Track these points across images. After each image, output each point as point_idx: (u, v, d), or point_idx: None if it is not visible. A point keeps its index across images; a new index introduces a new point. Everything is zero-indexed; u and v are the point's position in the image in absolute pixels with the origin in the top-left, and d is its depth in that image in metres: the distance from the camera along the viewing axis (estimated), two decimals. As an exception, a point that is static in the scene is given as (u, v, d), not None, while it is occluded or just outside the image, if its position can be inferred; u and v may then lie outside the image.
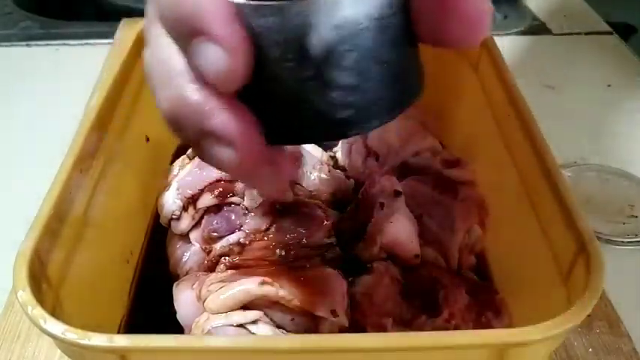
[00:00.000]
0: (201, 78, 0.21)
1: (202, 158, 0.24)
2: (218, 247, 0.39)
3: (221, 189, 0.39)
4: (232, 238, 0.39)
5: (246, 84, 0.21)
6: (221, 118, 0.21)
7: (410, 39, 0.23)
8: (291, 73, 0.21)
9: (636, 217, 0.54)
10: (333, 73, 0.21)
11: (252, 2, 0.21)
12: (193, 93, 0.22)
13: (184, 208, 0.40)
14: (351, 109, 0.22)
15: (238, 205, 0.39)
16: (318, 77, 0.21)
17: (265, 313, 0.34)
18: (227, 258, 0.39)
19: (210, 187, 0.39)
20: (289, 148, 0.26)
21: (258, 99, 0.22)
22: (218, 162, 0.23)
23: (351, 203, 0.44)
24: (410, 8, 0.22)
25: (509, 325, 0.37)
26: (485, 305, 0.38)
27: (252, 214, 0.39)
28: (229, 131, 0.21)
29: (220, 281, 0.36)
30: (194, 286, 0.37)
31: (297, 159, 0.25)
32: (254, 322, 0.33)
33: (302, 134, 0.23)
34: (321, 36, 0.20)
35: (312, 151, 0.48)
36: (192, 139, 0.23)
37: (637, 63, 0.77)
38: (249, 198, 0.39)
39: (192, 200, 0.40)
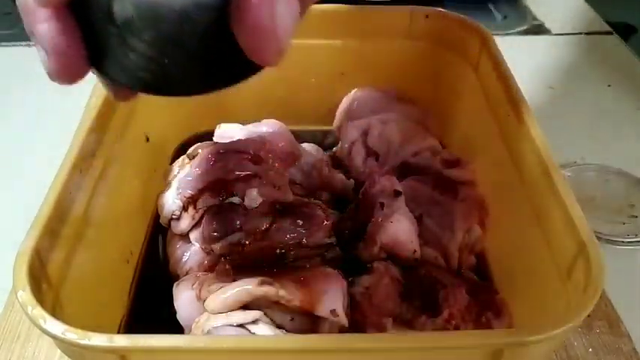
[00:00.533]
0: None
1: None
2: (218, 247, 0.39)
3: (221, 189, 0.39)
4: (232, 238, 0.39)
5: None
6: (44, 27, 0.24)
7: (220, 36, 0.25)
8: (102, 22, 0.24)
9: (636, 217, 0.54)
10: (132, 39, 0.24)
11: None
12: None
13: (184, 208, 0.40)
14: (147, 73, 0.25)
15: (238, 205, 0.39)
16: (120, 37, 0.24)
17: (265, 313, 0.34)
18: (227, 258, 0.39)
19: (210, 187, 0.39)
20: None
21: (83, 23, 0.25)
22: (40, 56, 0.26)
23: (351, 203, 0.44)
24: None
25: (509, 325, 0.37)
26: (485, 305, 0.38)
27: (252, 214, 0.39)
28: (47, 41, 0.24)
29: (220, 281, 0.36)
30: (194, 286, 0.37)
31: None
32: (254, 322, 0.33)
33: (109, 73, 0.26)
34: (124, 6, 0.23)
35: (312, 151, 0.48)
36: (27, 31, 0.26)
37: (637, 63, 0.77)
38: (249, 198, 0.39)
39: (192, 200, 0.40)
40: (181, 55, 0.24)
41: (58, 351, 0.39)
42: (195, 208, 0.40)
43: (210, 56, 0.25)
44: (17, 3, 0.26)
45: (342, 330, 0.35)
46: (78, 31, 0.25)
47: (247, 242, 0.39)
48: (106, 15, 0.24)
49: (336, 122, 0.51)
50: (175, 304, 0.37)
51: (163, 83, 0.25)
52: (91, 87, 0.62)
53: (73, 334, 0.26)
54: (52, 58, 0.25)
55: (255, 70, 0.26)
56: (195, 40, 0.24)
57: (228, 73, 0.26)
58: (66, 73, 0.26)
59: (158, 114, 0.50)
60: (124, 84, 0.26)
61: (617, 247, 0.51)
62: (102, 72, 0.26)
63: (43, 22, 0.24)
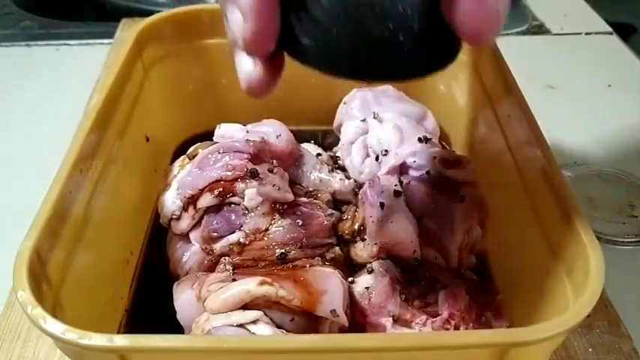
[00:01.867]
0: None
1: (224, 16, 0.27)
2: (218, 247, 0.39)
3: (221, 189, 0.39)
4: (232, 238, 0.39)
5: None
6: None
7: (428, 15, 0.24)
8: None
9: (636, 217, 0.54)
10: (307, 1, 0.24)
11: None
12: None
13: (184, 208, 0.40)
14: (311, 40, 0.25)
15: (238, 205, 0.39)
16: (298, 3, 0.24)
17: (265, 313, 0.34)
18: (227, 258, 0.39)
19: (210, 187, 0.39)
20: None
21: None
22: (232, 24, 0.26)
23: (351, 203, 0.44)
24: None
25: (509, 325, 0.37)
26: (485, 305, 0.38)
27: (252, 214, 0.39)
28: (245, 2, 0.24)
29: (220, 281, 0.36)
30: (194, 286, 0.37)
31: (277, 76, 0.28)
32: (254, 322, 0.33)
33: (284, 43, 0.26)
34: None
35: (312, 151, 0.48)
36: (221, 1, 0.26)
37: (637, 63, 0.77)
38: (249, 198, 0.39)
39: (192, 200, 0.40)
40: (348, 27, 0.24)
41: (58, 351, 0.39)
42: (195, 208, 0.40)
43: (417, 36, 0.24)
44: None
45: (342, 330, 0.35)
46: None
47: (247, 242, 0.39)
48: None
49: (336, 122, 0.51)
50: (175, 304, 0.37)
51: (322, 52, 0.25)
52: (91, 87, 0.62)
53: (73, 334, 0.26)
54: (252, 21, 0.24)
55: (453, 58, 0.26)
56: (366, 11, 0.23)
57: (433, 57, 0.26)
58: (264, 39, 0.25)
59: (158, 114, 0.50)
60: (289, 51, 0.26)
61: (617, 247, 0.51)
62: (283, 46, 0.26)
63: None
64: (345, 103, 0.51)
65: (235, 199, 0.39)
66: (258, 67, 0.27)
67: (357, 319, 0.36)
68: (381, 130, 0.46)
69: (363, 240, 0.40)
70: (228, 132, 0.44)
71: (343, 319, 0.34)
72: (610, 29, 0.84)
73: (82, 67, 0.73)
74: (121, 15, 0.83)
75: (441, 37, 0.25)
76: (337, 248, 0.41)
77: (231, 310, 0.34)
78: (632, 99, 0.71)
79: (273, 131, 0.44)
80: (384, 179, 0.41)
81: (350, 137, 0.49)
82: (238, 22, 0.25)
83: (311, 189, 0.44)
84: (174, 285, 0.38)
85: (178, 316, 0.37)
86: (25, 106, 0.69)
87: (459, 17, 0.23)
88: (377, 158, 0.46)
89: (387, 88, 0.51)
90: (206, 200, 0.39)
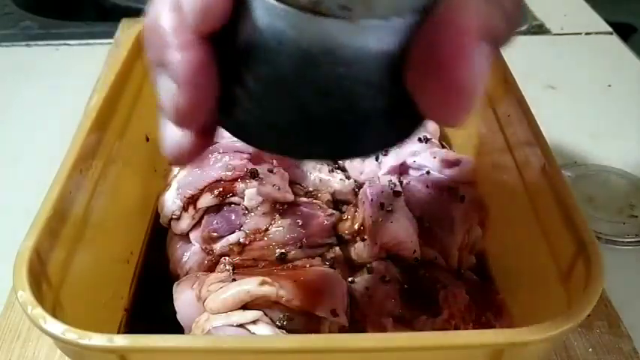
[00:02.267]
0: (180, 8, 0.21)
1: (155, 82, 0.23)
2: (218, 247, 0.39)
3: (221, 189, 0.39)
4: (232, 238, 0.39)
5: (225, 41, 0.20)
6: (182, 55, 0.20)
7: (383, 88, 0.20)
8: (256, 58, 0.20)
9: (636, 217, 0.54)
10: (244, 74, 0.20)
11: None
12: (167, 18, 0.21)
13: (184, 208, 0.40)
14: (246, 114, 0.21)
15: (238, 205, 0.39)
16: (231, 71, 0.21)
17: (265, 313, 0.34)
18: (227, 258, 0.39)
19: (210, 187, 0.39)
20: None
21: (224, 61, 0.21)
22: (162, 92, 0.22)
23: (351, 203, 0.44)
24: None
25: (509, 325, 0.37)
26: (486, 305, 0.38)
27: (252, 214, 0.39)
28: (182, 71, 0.21)
29: (220, 281, 0.36)
30: (194, 286, 0.37)
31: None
32: (254, 322, 0.33)
33: (246, 127, 0.22)
34: (299, 40, 0.19)
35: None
36: (152, 59, 0.22)
37: (637, 63, 0.77)
38: (249, 198, 0.39)
39: (192, 200, 0.40)
40: (278, 103, 0.20)
41: (58, 351, 0.39)
42: (195, 208, 0.40)
43: (367, 117, 0.21)
44: (145, 25, 0.23)
45: (342, 330, 0.35)
46: (215, 67, 0.21)
47: (247, 242, 0.39)
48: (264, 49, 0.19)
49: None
50: (175, 304, 0.37)
51: (253, 131, 0.22)
52: (91, 87, 0.62)
53: (73, 334, 0.26)
54: (186, 90, 0.21)
55: (411, 133, 0.22)
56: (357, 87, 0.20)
57: (385, 136, 0.22)
58: (196, 112, 0.22)
59: (158, 114, 0.50)
60: (259, 140, 0.22)
61: (617, 247, 0.51)
62: (236, 124, 0.22)
63: (183, 48, 0.21)
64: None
65: (235, 199, 0.39)
66: (189, 138, 0.23)
67: (357, 319, 0.36)
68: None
69: (363, 240, 0.40)
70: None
71: (343, 319, 0.34)
72: (610, 29, 0.83)
73: (82, 67, 0.73)
74: (121, 15, 0.83)
75: (397, 115, 0.21)
76: (337, 248, 0.41)
77: (231, 310, 0.34)
78: (632, 99, 0.71)
79: (273, 131, 0.44)
80: (384, 179, 0.41)
81: (350, 137, 0.49)
82: (169, 90, 0.21)
83: (311, 189, 0.44)
84: (174, 285, 0.38)
85: (178, 316, 0.37)
86: (25, 106, 0.69)
87: (430, 105, 0.20)
88: (377, 158, 0.46)
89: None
90: (206, 200, 0.39)
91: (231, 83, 0.21)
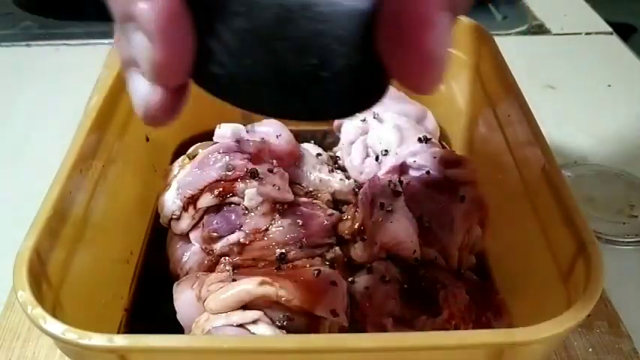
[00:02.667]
0: None
1: (122, 42, 0.22)
2: (218, 247, 0.39)
3: (221, 189, 0.39)
4: (232, 238, 0.39)
5: None
6: (152, 3, 0.19)
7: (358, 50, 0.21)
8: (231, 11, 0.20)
9: (636, 217, 0.54)
10: (220, 27, 0.20)
11: None
12: None
13: (184, 208, 0.40)
14: (221, 68, 0.21)
15: (238, 205, 0.39)
16: (206, 24, 0.20)
17: (265, 313, 0.34)
18: (227, 258, 0.39)
19: (210, 187, 0.39)
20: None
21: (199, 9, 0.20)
22: (134, 48, 0.21)
23: (351, 203, 0.44)
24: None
25: (509, 325, 0.37)
26: (486, 305, 0.38)
27: (252, 214, 0.39)
28: (154, 22, 0.19)
29: (220, 281, 0.36)
30: (194, 286, 0.37)
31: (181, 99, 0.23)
32: (254, 322, 0.33)
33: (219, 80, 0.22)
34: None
35: (312, 151, 0.48)
36: (117, 13, 0.22)
37: (637, 63, 0.77)
38: (249, 198, 0.39)
39: (192, 200, 0.40)
40: (262, 58, 0.20)
41: (58, 351, 0.39)
42: (195, 208, 0.40)
43: (342, 74, 0.21)
44: None
45: (342, 330, 0.35)
46: (189, 18, 0.20)
47: (247, 242, 0.39)
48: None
49: (336, 122, 0.51)
50: (175, 304, 0.37)
51: (230, 84, 0.22)
52: (91, 87, 0.62)
53: (73, 334, 0.26)
54: (161, 45, 0.20)
55: (382, 96, 0.23)
56: (273, 43, 0.20)
57: (360, 96, 0.23)
58: (175, 67, 0.21)
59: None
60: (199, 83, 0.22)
61: (617, 247, 0.51)
62: (208, 78, 0.22)
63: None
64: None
65: (235, 199, 0.39)
66: (159, 92, 0.22)
67: (357, 319, 0.36)
68: (381, 130, 0.46)
69: (363, 240, 0.40)
70: (228, 132, 0.44)
71: (343, 319, 0.34)
72: (610, 29, 0.83)
73: (82, 67, 0.73)
74: (121, 15, 0.83)
75: (372, 77, 0.22)
76: (337, 248, 0.41)
77: (231, 310, 0.34)
78: (632, 99, 0.71)
79: (273, 131, 0.44)
80: (384, 179, 0.41)
81: (350, 137, 0.49)
82: (142, 45, 0.20)
83: (311, 189, 0.44)
84: (174, 285, 0.38)
85: (178, 316, 0.37)
86: (25, 106, 0.69)
87: (398, 70, 0.21)
88: (377, 158, 0.46)
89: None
90: (206, 200, 0.39)
91: (206, 37, 0.21)
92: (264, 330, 0.33)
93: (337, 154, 0.51)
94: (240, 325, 0.33)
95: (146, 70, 0.21)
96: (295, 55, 0.20)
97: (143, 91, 0.22)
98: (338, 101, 0.22)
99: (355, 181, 0.46)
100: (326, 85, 0.21)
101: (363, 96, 0.23)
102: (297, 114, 0.22)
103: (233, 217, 0.39)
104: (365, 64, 0.21)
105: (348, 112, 0.23)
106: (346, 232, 0.41)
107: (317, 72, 0.21)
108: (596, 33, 0.83)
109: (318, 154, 0.49)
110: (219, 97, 0.23)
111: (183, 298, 0.37)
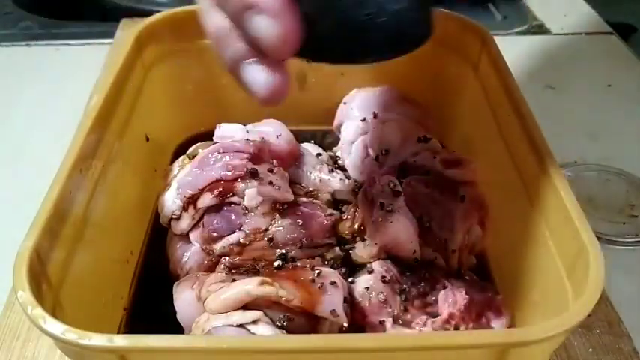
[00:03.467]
0: None
1: (242, 30, 0.27)
2: (218, 247, 0.39)
3: (221, 189, 0.39)
4: (232, 238, 0.39)
5: None
6: None
7: None
8: None
9: (636, 217, 0.54)
10: (305, 2, 0.26)
11: None
12: None
13: (184, 208, 0.40)
14: (310, 34, 0.27)
15: (238, 205, 0.39)
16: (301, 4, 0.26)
17: (265, 313, 0.34)
18: (227, 258, 0.39)
19: (210, 187, 0.39)
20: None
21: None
22: (255, 32, 0.26)
23: (351, 203, 0.44)
24: None
25: (509, 325, 0.37)
26: (485, 305, 0.38)
27: (252, 214, 0.39)
28: (277, 5, 0.25)
29: (220, 281, 0.36)
30: (194, 286, 0.37)
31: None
32: (254, 322, 0.33)
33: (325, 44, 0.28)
34: None
35: (312, 151, 0.48)
36: (233, 9, 0.27)
37: (637, 63, 0.77)
38: (249, 198, 0.39)
39: (192, 200, 0.40)
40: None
41: (58, 351, 0.39)
42: (195, 208, 0.40)
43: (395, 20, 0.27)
44: None
45: (342, 330, 0.35)
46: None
47: (247, 242, 0.39)
48: None
49: (336, 122, 0.51)
50: (175, 304, 0.37)
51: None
52: (91, 87, 0.62)
53: (73, 334, 0.26)
54: (282, 19, 0.25)
55: (426, 38, 0.29)
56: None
57: (410, 35, 0.29)
58: (294, 35, 0.26)
59: (158, 114, 0.50)
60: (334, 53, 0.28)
61: (617, 247, 0.51)
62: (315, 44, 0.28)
63: None
64: (345, 103, 0.51)
65: (235, 199, 0.39)
66: (278, 74, 0.27)
67: (357, 319, 0.36)
68: (381, 130, 0.46)
69: (363, 240, 0.40)
70: (228, 132, 0.44)
71: (343, 319, 0.34)
72: (610, 29, 0.83)
73: (82, 67, 0.73)
74: (121, 15, 0.83)
75: (420, 13, 0.29)
76: (337, 248, 0.41)
77: (231, 310, 0.34)
78: (632, 99, 0.71)
79: (273, 131, 0.44)
80: (384, 179, 0.41)
81: (350, 137, 0.48)
82: (263, 28, 0.26)
83: (311, 189, 0.44)
84: (174, 285, 0.38)
85: (178, 316, 0.37)
86: (25, 106, 0.69)
87: None
88: (377, 158, 0.46)
89: (388, 88, 0.51)
90: (206, 200, 0.39)
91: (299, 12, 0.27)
92: (264, 330, 0.33)
93: (337, 154, 0.51)
94: (240, 325, 0.33)
95: (270, 45, 0.26)
96: (357, 8, 0.27)
97: (261, 77, 0.28)
98: (395, 40, 0.28)
99: (355, 181, 0.46)
100: (384, 28, 0.27)
101: (414, 34, 0.29)
102: (366, 56, 0.29)
103: (233, 217, 0.39)
104: (412, 7, 0.28)
105: (404, 50, 0.29)
106: (346, 232, 0.41)
107: (375, 19, 0.27)
108: (596, 33, 0.83)
109: (318, 154, 0.49)
110: (310, 58, 0.29)
111: (183, 298, 0.37)
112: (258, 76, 0.28)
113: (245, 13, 0.26)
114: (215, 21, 0.28)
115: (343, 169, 0.48)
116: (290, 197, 0.40)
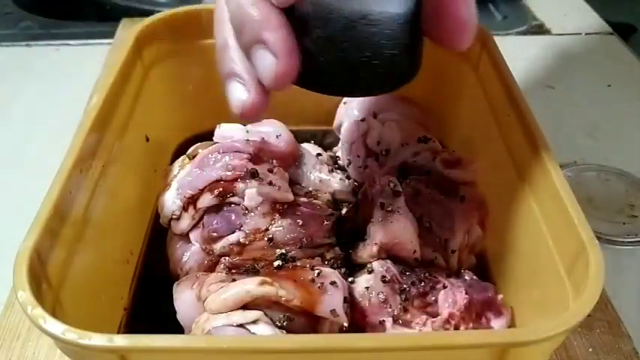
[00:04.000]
0: None
1: (248, 58, 0.30)
2: (218, 247, 0.39)
3: (221, 189, 0.39)
4: (232, 238, 0.39)
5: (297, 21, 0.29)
6: (278, 32, 0.28)
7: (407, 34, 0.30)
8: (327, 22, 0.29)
9: (636, 217, 0.54)
10: (305, 39, 0.29)
11: None
12: (258, 6, 0.28)
13: (184, 208, 0.40)
14: (308, 68, 0.29)
15: (238, 205, 0.39)
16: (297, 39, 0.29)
17: (265, 313, 0.34)
18: (227, 258, 0.39)
19: (210, 187, 0.39)
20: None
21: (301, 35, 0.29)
22: (261, 66, 0.29)
23: (351, 203, 0.44)
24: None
25: (509, 325, 0.37)
26: (485, 305, 0.38)
27: (252, 214, 0.39)
28: (281, 44, 0.28)
29: (220, 281, 0.36)
30: (194, 286, 0.37)
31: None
32: (254, 322, 0.33)
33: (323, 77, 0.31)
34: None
35: (312, 151, 0.48)
36: (245, 41, 0.29)
37: (637, 63, 0.77)
38: (249, 198, 0.39)
39: (192, 200, 0.40)
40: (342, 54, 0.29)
41: (58, 351, 0.39)
42: (195, 208, 0.40)
43: (389, 60, 0.30)
44: (233, 14, 0.30)
45: (342, 330, 0.35)
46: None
47: (247, 242, 0.39)
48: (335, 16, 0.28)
49: (336, 122, 0.51)
50: (175, 304, 0.37)
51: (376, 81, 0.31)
52: (91, 87, 0.62)
53: (73, 334, 0.26)
54: (284, 60, 0.28)
55: (413, 75, 0.32)
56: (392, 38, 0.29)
57: (405, 73, 0.32)
58: (292, 74, 0.29)
59: (158, 114, 0.50)
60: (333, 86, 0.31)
61: (617, 247, 0.51)
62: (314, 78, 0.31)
63: (276, 29, 0.28)
64: (345, 103, 0.51)
65: (235, 199, 0.39)
66: (252, 95, 0.31)
67: (357, 319, 0.36)
68: (381, 130, 0.46)
69: (363, 240, 0.40)
70: (228, 132, 0.44)
71: (343, 319, 0.34)
72: (610, 29, 0.83)
73: (82, 67, 0.73)
74: (121, 15, 0.83)
75: (409, 59, 0.31)
76: (337, 248, 0.41)
77: (231, 310, 0.34)
78: (632, 99, 0.71)
79: (273, 131, 0.44)
80: (384, 179, 0.41)
81: (350, 137, 0.48)
82: (267, 64, 0.28)
83: (311, 189, 0.44)
84: (174, 285, 0.38)
85: (178, 316, 0.37)
86: (25, 106, 0.69)
87: (442, 36, 0.30)
88: (377, 158, 0.46)
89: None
90: (206, 200, 0.39)
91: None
92: (264, 330, 0.33)
93: (337, 154, 0.51)
94: (240, 325, 0.33)
95: (269, 79, 0.29)
96: (355, 51, 0.29)
97: (241, 96, 0.31)
98: (386, 79, 0.31)
99: (355, 181, 0.46)
100: (378, 69, 0.30)
101: (403, 74, 0.32)
102: (359, 91, 0.33)
103: (233, 217, 0.39)
104: (405, 50, 0.30)
105: (394, 87, 0.32)
106: (346, 232, 0.41)
107: (370, 61, 0.29)
108: (596, 33, 0.83)
109: (318, 154, 0.49)
110: (308, 87, 0.31)
111: (183, 298, 0.37)
112: (237, 94, 0.31)
113: (255, 45, 0.28)
114: (224, 36, 0.31)
115: (343, 169, 0.48)
116: (290, 197, 0.40)
